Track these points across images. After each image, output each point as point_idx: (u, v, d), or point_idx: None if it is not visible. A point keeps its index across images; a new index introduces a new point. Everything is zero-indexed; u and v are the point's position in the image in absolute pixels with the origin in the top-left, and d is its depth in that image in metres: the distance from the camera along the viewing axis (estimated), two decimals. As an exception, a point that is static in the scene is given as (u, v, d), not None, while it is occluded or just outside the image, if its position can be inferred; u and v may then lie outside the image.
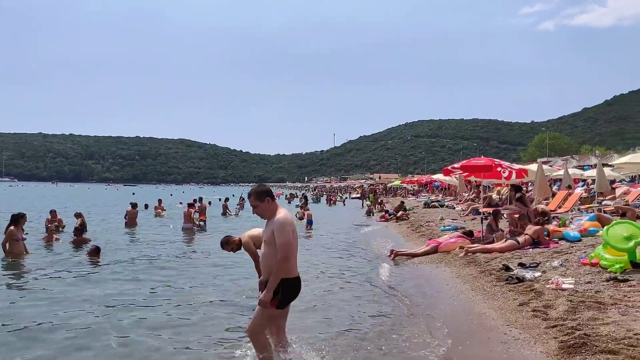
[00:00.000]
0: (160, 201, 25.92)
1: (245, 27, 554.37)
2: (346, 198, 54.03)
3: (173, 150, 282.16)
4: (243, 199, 33.16)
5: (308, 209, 21.17)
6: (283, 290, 4.16)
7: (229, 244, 7.29)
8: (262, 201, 4.24)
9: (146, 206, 25.75)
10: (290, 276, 4.20)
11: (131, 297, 7.53)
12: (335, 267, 10.47)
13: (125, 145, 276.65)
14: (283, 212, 4.26)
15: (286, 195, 54.80)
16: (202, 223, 18.66)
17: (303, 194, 52.91)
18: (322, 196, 60.59)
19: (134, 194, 60.21)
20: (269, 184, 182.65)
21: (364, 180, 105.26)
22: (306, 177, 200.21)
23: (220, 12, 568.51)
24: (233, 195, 41.85)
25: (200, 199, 23.87)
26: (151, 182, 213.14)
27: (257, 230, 7.56)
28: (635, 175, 27.23)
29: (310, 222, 19.88)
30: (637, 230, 7.71)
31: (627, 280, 6.43)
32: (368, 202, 33.89)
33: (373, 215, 25.90)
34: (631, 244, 7.26)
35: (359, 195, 53.51)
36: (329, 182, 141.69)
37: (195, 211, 19.08)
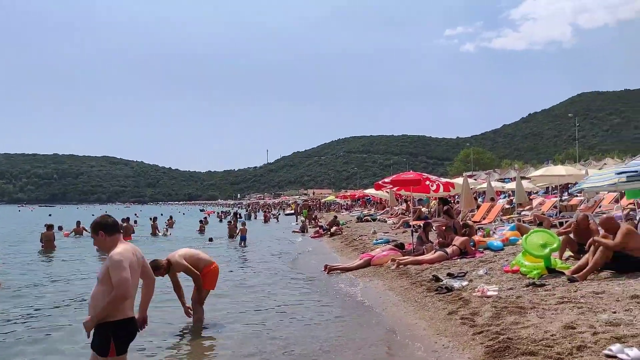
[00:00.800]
0: (78, 223, 24.20)
1: (174, 41, 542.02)
2: (279, 214, 53.83)
3: (96, 168, 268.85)
4: (171, 217, 32.25)
5: (244, 224, 20.94)
6: (117, 333, 3.71)
7: (158, 269, 6.57)
8: (97, 234, 3.85)
9: (60, 228, 24.04)
10: (125, 317, 3.77)
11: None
12: (270, 285, 10.39)
13: (42, 164, 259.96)
14: (121, 247, 3.82)
15: (218, 213, 53.77)
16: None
17: (235, 211, 52.17)
18: (256, 212, 60.01)
19: (50, 215, 56.68)
20: (200, 201, 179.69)
21: (297, 196, 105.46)
22: (239, 194, 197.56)
23: (145, 26, 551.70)
24: (161, 215, 40.48)
25: (127, 219, 22.90)
26: (72, 202, 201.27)
27: (190, 251, 7.38)
28: (549, 187, 29.23)
29: (243, 239, 19.61)
30: (551, 238, 8.30)
31: (544, 285, 6.89)
32: (302, 218, 33.96)
33: (307, 231, 25.97)
34: (546, 250, 7.82)
35: (292, 211, 53.51)
36: (263, 199, 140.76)
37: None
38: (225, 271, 11.15)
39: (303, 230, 26.34)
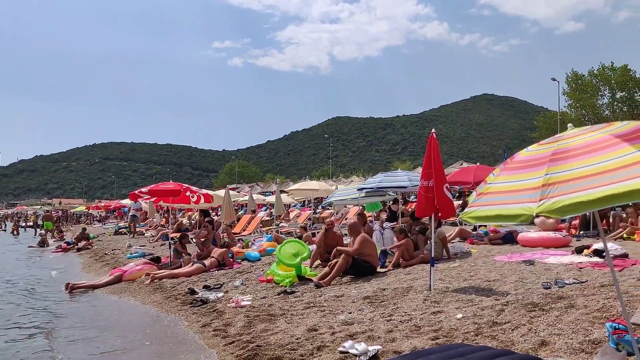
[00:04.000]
0: None
1: None
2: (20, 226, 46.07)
3: None
4: None
5: None
6: None
7: None
8: None
9: None
10: None
11: None
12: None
13: None
14: None
15: None
16: None
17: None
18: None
19: None
20: None
21: (39, 207, 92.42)
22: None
23: None
24: None
25: None
26: None
27: None
28: (305, 200, 31.86)
29: None
30: (302, 247, 8.91)
31: (294, 292, 7.29)
32: (42, 231, 29.70)
33: (48, 245, 22.77)
34: (297, 259, 8.34)
35: (30, 223, 46.39)
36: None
37: None
38: None
39: (43, 244, 22.99)
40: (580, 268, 6.84)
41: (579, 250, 8.22)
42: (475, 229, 12.28)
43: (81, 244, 19.46)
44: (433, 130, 7.08)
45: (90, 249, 18.64)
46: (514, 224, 11.32)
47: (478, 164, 20.97)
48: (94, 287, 10.25)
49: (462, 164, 35.07)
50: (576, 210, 2.63)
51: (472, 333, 4.48)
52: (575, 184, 2.64)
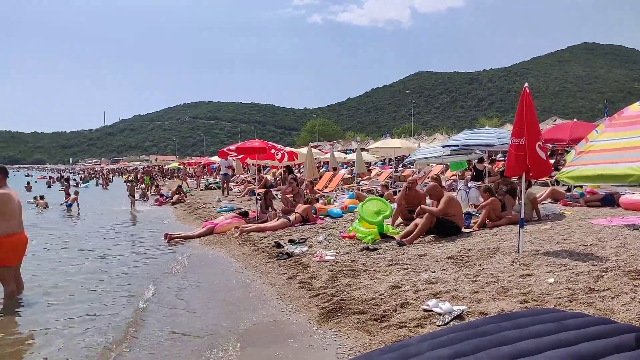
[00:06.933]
0: None
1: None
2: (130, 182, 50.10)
3: None
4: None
5: (77, 193, 19.74)
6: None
7: None
8: None
9: None
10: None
11: None
12: (104, 258, 9.52)
13: None
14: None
15: (47, 179, 48.28)
16: None
17: (65, 176, 47.34)
18: (91, 179, 55.08)
19: None
20: (25, 166, 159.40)
21: (138, 162, 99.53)
22: (71, 159, 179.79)
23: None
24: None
25: None
26: None
27: None
28: (385, 159, 31.57)
29: (69, 205, 18.89)
30: (384, 205, 8.89)
31: (376, 249, 7.34)
32: (142, 185, 32.02)
33: (148, 199, 24.57)
34: (380, 217, 8.34)
35: (130, 178, 50.21)
36: (99, 164, 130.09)
37: None
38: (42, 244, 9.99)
39: (143, 197, 24.85)
40: (693, 234, 6.24)
41: (691, 215, 7.49)
42: (569, 189, 11.56)
43: (175, 198, 20.78)
44: (526, 84, 6.63)
45: (184, 203, 19.87)
46: (615, 185, 10.51)
47: (575, 119, 19.46)
48: (189, 237, 10.97)
49: (555, 120, 32.70)
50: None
51: (565, 299, 4.28)
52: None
